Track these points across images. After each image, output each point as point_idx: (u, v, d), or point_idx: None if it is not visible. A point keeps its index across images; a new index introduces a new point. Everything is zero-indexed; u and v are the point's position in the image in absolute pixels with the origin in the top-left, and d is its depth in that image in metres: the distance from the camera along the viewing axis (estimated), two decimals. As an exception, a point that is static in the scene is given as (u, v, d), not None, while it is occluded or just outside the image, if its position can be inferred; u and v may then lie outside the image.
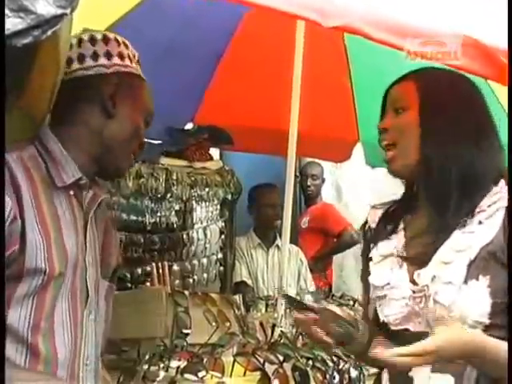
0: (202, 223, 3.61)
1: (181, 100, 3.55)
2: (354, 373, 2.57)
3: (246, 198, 4.30)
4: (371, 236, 1.72)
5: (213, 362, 2.39)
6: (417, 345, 1.36)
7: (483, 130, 1.60)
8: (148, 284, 2.98)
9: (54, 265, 1.46)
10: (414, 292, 1.54)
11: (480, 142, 1.57)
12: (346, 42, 3.52)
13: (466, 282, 1.48)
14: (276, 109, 3.42)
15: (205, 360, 2.38)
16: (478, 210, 1.54)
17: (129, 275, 3.28)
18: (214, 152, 4.00)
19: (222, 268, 3.75)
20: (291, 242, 3.74)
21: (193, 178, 3.51)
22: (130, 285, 3.24)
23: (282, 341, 2.71)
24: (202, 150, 3.60)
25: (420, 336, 1.41)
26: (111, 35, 1.66)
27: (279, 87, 3.31)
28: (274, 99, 3.44)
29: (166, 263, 3.01)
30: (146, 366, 2.29)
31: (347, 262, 5.65)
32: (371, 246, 1.69)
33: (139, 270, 3.32)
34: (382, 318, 1.61)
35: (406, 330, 1.55)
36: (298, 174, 4.99)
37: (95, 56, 1.61)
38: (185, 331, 2.61)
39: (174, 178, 3.42)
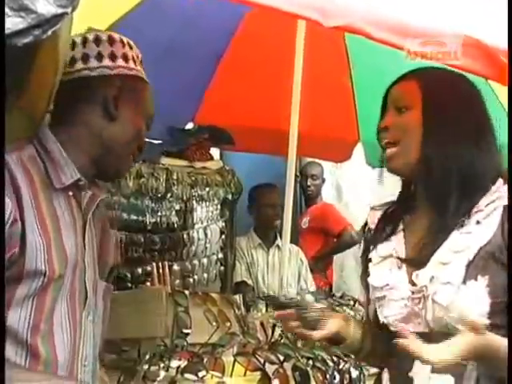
0: (202, 223, 3.61)
1: (181, 100, 3.55)
2: (354, 373, 2.57)
3: (247, 198, 4.30)
4: (370, 237, 1.72)
5: (213, 362, 2.39)
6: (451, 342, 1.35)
7: (482, 130, 1.60)
8: (148, 284, 2.98)
9: (54, 267, 1.46)
10: (412, 293, 1.54)
11: (479, 142, 1.57)
12: (346, 41, 3.52)
13: (464, 282, 1.48)
14: (276, 109, 3.43)
15: (205, 360, 2.38)
16: (475, 209, 1.54)
17: (129, 275, 3.28)
18: (215, 152, 4.00)
19: (222, 268, 3.75)
20: (291, 241, 3.75)
21: (193, 178, 3.51)
22: (130, 284, 3.24)
23: (282, 341, 2.71)
24: (202, 149, 3.60)
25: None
26: (116, 36, 1.64)
27: (280, 87, 3.31)
28: (275, 99, 3.44)
29: (166, 263, 3.01)
30: (146, 366, 2.29)
31: (348, 262, 5.65)
32: (371, 247, 1.69)
33: (139, 270, 3.32)
34: (381, 319, 1.61)
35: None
36: (298, 173, 4.99)
37: (100, 57, 1.59)
38: (185, 331, 2.61)
39: (175, 177, 3.42)
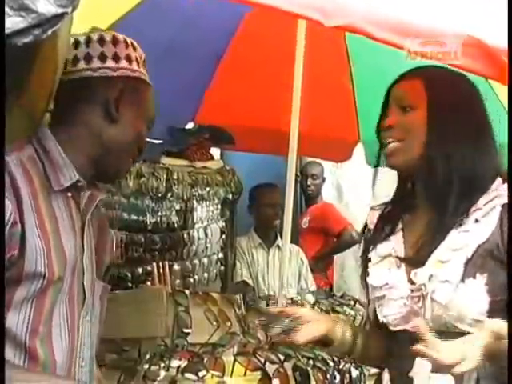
0: (202, 223, 3.62)
1: (181, 100, 3.54)
2: (354, 373, 2.57)
3: (247, 198, 4.30)
4: (370, 237, 1.72)
5: (213, 362, 2.39)
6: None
7: (482, 130, 1.60)
8: (149, 283, 2.99)
9: (54, 269, 1.45)
10: (412, 291, 1.54)
11: (479, 141, 1.58)
12: (347, 41, 3.52)
13: (463, 280, 1.48)
14: (277, 109, 3.42)
15: (205, 359, 2.39)
16: (474, 208, 1.54)
17: (129, 275, 3.29)
18: (215, 152, 4.00)
19: (222, 267, 3.75)
20: (292, 241, 3.74)
21: (194, 178, 3.52)
22: (130, 284, 3.24)
23: (282, 340, 2.71)
24: (202, 149, 3.61)
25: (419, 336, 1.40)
26: (120, 36, 1.61)
27: (280, 87, 3.30)
28: (275, 99, 3.43)
29: (166, 263, 3.02)
30: (146, 366, 2.29)
31: (348, 262, 5.65)
32: (370, 247, 1.70)
33: (140, 270, 3.32)
34: (381, 318, 1.61)
35: (405, 330, 1.55)
36: (298, 173, 4.99)
37: (103, 57, 1.57)
38: (185, 331, 2.61)
39: (175, 177, 3.42)
